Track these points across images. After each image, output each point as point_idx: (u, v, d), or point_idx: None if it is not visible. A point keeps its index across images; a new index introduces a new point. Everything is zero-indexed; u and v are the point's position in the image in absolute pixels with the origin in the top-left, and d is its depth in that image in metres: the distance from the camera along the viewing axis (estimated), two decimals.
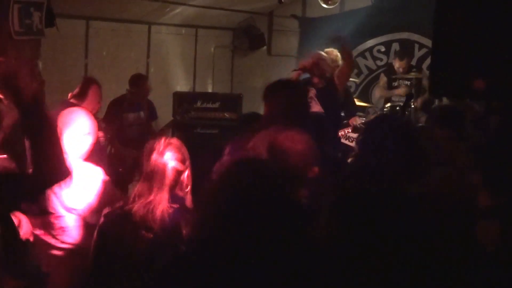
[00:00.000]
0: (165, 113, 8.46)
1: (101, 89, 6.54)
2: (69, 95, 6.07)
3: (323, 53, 7.38)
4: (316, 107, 6.95)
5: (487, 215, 2.81)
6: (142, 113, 7.94)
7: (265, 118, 4.15)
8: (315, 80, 7.14)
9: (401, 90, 9.35)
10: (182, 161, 3.51)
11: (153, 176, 3.40)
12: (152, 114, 8.13)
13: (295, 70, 7.17)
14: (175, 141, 3.58)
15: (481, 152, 3.33)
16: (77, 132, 3.91)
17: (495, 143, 3.35)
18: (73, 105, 5.31)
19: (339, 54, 7.81)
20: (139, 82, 7.85)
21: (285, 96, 4.16)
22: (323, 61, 7.17)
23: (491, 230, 2.76)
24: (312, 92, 7.19)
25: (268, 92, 4.25)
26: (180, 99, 9.35)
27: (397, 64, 9.48)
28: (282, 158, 3.12)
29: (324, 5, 9.25)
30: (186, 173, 3.52)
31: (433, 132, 4.73)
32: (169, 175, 3.42)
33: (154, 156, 3.44)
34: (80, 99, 6.13)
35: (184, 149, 3.58)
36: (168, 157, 3.45)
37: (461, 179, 2.95)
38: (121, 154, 7.39)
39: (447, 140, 4.40)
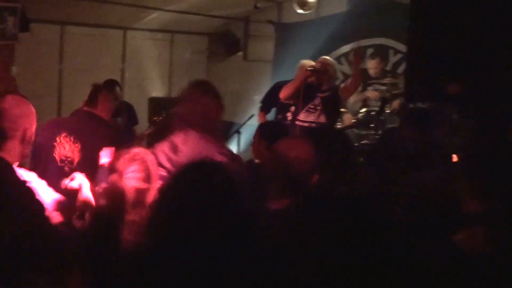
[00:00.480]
0: (141, 119, 8.43)
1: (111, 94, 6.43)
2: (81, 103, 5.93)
3: (329, 58, 7.43)
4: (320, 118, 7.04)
5: (476, 221, 2.81)
6: (119, 119, 7.87)
7: (183, 118, 4.09)
8: (324, 86, 7.18)
9: (375, 94, 9.39)
10: (146, 179, 3.40)
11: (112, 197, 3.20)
12: (132, 119, 8.07)
13: (306, 70, 7.17)
14: (140, 156, 3.48)
15: (463, 156, 3.35)
16: None
17: (476, 148, 3.36)
18: (88, 113, 5.24)
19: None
20: (112, 87, 7.83)
21: (211, 100, 4.11)
22: (331, 67, 7.22)
23: (479, 236, 2.76)
24: (317, 101, 7.26)
25: (193, 92, 4.15)
26: (155, 104, 9.34)
27: (369, 65, 9.53)
28: (284, 165, 3.14)
29: (300, 11, 9.28)
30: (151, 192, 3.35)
31: (401, 133, 4.79)
32: (129, 196, 3.27)
33: (114, 176, 3.34)
34: (92, 106, 5.95)
35: (152, 165, 3.49)
36: (129, 176, 3.35)
37: (443, 185, 2.96)
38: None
39: (412, 140, 4.45)
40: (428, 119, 4.95)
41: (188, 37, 11.24)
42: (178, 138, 3.96)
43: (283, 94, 7.35)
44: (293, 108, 7.82)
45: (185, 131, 3.98)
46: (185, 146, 3.90)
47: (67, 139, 4.96)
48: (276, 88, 8.32)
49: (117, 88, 7.85)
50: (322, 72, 7.13)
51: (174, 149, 3.91)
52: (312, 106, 7.27)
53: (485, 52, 3.72)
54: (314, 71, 7.12)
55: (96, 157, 4.11)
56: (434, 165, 4.18)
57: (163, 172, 3.70)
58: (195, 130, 3.97)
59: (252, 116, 8.92)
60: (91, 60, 8.98)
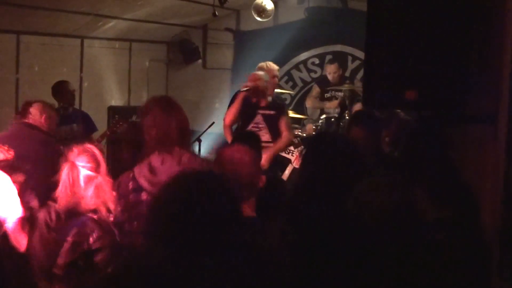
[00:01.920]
0: (100, 128, 8.35)
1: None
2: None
3: (259, 72, 7.38)
4: (265, 136, 6.98)
5: (435, 228, 2.84)
6: (75, 126, 7.82)
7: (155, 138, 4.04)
8: (263, 103, 7.15)
9: (334, 103, 9.45)
10: (95, 169, 3.69)
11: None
12: (89, 126, 8.02)
13: (242, 91, 7.11)
14: (90, 148, 3.77)
15: (419, 164, 3.39)
16: None
17: (430, 155, 3.40)
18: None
19: (274, 66, 7.88)
20: (59, 88, 7.82)
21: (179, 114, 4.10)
22: (261, 81, 7.17)
23: (440, 242, 2.80)
24: (258, 118, 7.21)
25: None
26: (114, 113, 9.27)
27: (328, 69, 9.60)
28: (232, 168, 3.19)
29: (258, 18, 9.31)
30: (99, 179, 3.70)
31: (350, 134, 4.86)
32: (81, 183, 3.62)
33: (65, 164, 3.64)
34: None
35: (99, 156, 3.76)
36: (80, 165, 3.64)
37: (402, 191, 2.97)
38: None
39: (361, 139, 4.52)
40: (376, 120, 5.03)
41: (147, 46, 11.19)
42: (155, 160, 3.96)
43: (227, 120, 7.21)
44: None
45: (159, 150, 3.97)
46: (163, 166, 3.90)
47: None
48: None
49: (69, 85, 7.87)
50: (256, 89, 7.11)
51: (153, 170, 3.91)
52: (254, 125, 7.18)
53: (442, 57, 3.77)
54: (249, 90, 7.09)
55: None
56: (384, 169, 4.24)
57: (144, 196, 3.87)
58: (169, 148, 3.97)
59: (212, 123, 8.89)
60: (48, 70, 8.88)
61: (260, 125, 7.18)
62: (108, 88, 10.20)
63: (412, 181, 3.02)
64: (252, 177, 3.31)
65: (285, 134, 7.21)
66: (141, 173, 3.94)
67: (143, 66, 11.05)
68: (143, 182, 3.90)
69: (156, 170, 3.90)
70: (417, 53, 3.76)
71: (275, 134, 7.18)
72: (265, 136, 7.05)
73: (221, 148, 3.61)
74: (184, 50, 11.46)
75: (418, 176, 3.26)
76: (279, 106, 7.36)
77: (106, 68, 10.15)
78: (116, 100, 10.34)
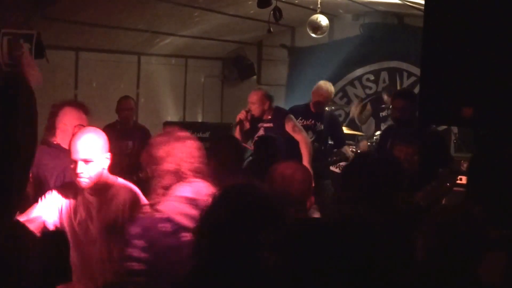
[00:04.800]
0: None
1: None
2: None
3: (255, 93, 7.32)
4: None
5: (495, 247, 2.79)
6: (130, 143, 7.93)
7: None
8: (265, 116, 7.13)
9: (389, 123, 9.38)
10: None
11: None
12: (147, 140, 8.07)
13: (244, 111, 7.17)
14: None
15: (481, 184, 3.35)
16: None
17: (490, 172, 3.35)
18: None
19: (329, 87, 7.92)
20: (119, 104, 8.04)
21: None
22: (258, 96, 7.11)
23: (499, 262, 2.75)
24: (260, 132, 7.18)
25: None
26: None
27: (385, 98, 9.55)
28: (283, 186, 3.19)
29: (313, 35, 9.31)
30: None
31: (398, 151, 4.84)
32: None
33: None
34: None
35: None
36: None
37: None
38: None
39: (411, 155, 4.49)
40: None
41: (202, 62, 11.29)
42: (187, 191, 3.58)
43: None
44: (310, 133, 7.74)
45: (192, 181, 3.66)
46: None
47: None
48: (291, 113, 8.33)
49: (130, 101, 8.10)
50: (254, 107, 7.09)
51: (193, 202, 3.46)
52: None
53: (500, 74, 3.70)
54: (248, 111, 7.10)
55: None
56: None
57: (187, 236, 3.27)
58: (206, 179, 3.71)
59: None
60: (106, 86, 9.04)
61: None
62: (164, 104, 10.32)
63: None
64: (302, 195, 3.31)
65: (298, 138, 7.09)
66: (180, 213, 3.49)
67: (199, 82, 11.15)
68: (184, 221, 3.44)
69: (196, 202, 3.43)
70: (474, 69, 3.71)
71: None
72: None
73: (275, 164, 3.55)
74: (239, 67, 11.52)
75: (478, 195, 3.22)
76: (277, 116, 7.21)
77: (162, 84, 10.28)
78: (172, 115, 10.44)
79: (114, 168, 3.86)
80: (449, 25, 3.84)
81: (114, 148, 7.01)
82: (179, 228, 3.43)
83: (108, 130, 7.08)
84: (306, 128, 7.83)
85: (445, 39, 3.85)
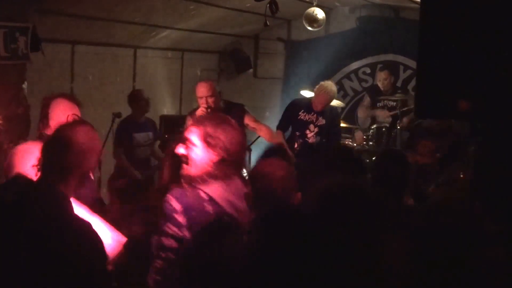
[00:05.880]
0: None
1: None
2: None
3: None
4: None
5: (493, 241, 2.80)
6: (150, 134, 8.23)
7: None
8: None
9: (385, 112, 9.38)
10: None
11: None
12: (156, 132, 8.47)
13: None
14: None
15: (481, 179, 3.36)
16: None
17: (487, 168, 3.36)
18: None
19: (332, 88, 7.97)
20: (135, 96, 8.21)
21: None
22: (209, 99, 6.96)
23: (499, 256, 2.75)
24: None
25: None
26: (167, 122, 9.37)
27: (379, 77, 9.55)
28: (264, 184, 3.14)
29: (310, 28, 9.30)
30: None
31: (417, 146, 4.82)
32: None
33: None
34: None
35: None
36: None
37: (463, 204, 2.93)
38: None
39: (431, 151, 4.47)
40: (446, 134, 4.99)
41: (198, 55, 11.28)
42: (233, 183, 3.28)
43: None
44: (312, 126, 7.89)
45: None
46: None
47: None
48: (292, 106, 8.35)
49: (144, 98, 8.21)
50: (212, 99, 6.95)
51: (239, 194, 3.26)
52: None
53: (497, 66, 3.70)
54: (207, 107, 6.88)
55: None
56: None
57: (228, 218, 3.18)
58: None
59: None
60: (102, 79, 9.01)
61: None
62: (160, 97, 10.30)
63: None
64: (284, 192, 3.19)
65: (259, 128, 7.19)
66: (224, 197, 3.24)
67: (195, 75, 11.13)
68: (228, 207, 3.22)
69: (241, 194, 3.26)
70: (471, 62, 3.70)
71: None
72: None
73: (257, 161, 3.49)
74: (236, 60, 11.52)
75: (478, 190, 3.23)
76: (229, 109, 6.96)
77: (158, 78, 10.26)
78: (168, 109, 10.44)
79: None
80: (445, 18, 3.83)
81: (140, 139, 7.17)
82: (223, 214, 3.20)
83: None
84: (308, 122, 7.90)
85: (441, 32, 3.84)
